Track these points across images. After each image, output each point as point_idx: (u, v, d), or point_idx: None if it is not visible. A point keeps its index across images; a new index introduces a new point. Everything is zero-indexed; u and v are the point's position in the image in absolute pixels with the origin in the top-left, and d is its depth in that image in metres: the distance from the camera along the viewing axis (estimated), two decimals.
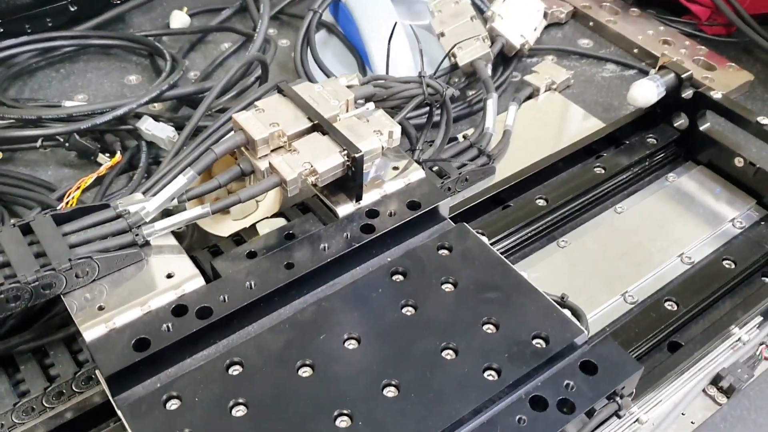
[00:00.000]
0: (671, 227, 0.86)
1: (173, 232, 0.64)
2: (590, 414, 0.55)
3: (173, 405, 0.53)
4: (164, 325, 0.56)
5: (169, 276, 0.60)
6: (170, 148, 0.84)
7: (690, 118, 0.92)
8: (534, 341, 0.58)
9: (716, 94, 0.89)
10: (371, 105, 0.70)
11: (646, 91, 0.90)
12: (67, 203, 0.77)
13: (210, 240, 0.75)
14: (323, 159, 0.64)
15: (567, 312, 0.61)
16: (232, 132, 0.66)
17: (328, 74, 1.05)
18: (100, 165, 0.90)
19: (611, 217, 0.88)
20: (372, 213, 0.67)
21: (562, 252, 0.83)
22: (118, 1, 1.16)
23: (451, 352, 0.57)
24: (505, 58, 1.12)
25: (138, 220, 0.61)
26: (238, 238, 0.70)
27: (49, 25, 1.10)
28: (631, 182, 0.92)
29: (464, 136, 0.95)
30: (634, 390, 0.59)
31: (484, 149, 0.90)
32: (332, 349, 0.57)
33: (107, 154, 0.93)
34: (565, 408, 0.54)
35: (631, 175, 0.91)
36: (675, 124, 0.94)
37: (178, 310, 0.58)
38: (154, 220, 0.62)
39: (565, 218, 0.86)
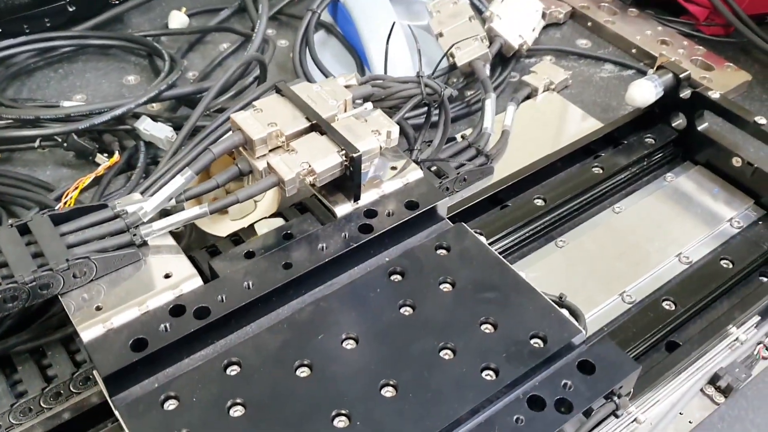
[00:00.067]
0: (669, 227, 0.86)
1: (171, 232, 0.64)
2: (588, 414, 0.55)
3: (171, 405, 0.53)
4: (162, 325, 0.56)
5: (167, 276, 0.60)
6: (168, 148, 0.84)
7: (688, 118, 0.92)
8: (532, 341, 0.58)
9: (714, 94, 0.89)
10: (369, 105, 0.70)
11: (644, 91, 0.90)
12: (65, 203, 0.77)
13: (208, 240, 0.75)
14: (321, 159, 0.64)
15: (565, 312, 0.61)
16: (230, 132, 0.66)
17: (326, 74, 1.05)
18: (99, 165, 0.90)
19: (609, 217, 0.88)
20: (370, 213, 0.67)
21: (561, 252, 0.83)
22: (117, 2, 1.16)
23: (449, 351, 0.57)
24: (504, 58, 1.12)
25: (136, 220, 0.61)
26: (236, 238, 0.70)
27: (48, 25, 1.10)
28: (629, 182, 0.92)
29: (462, 136, 0.95)
30: (632, 390, 0.59)
31: (483, 149, 0.90)
32: (330, 349, 0.57)
33: (105, 154, 0.93)
34: (562, 408, 0.54)
35: (629, 175, 0.92)
36: (673, 124, 0.95)
37: (176, 310, 0.58)
38: (152, 220, 0.62)
39: (564, 218, 0.86)
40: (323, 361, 0.56)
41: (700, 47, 1.17)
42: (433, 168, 0.85)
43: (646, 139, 0.94)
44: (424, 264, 0.64)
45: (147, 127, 0.93)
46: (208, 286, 0.60)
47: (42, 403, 0.62)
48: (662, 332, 0.74)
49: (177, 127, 0.95)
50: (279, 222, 0.71)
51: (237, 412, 0.53)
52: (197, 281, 0.60)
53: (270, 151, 0.65)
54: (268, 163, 0.64)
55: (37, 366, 0.66)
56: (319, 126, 0.66)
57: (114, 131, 0.95)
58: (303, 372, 0.56)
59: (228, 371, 0.55)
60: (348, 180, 0.66)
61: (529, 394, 0.55)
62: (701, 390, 0.70)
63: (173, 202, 0.63)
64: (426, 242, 0.66)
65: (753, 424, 0.69)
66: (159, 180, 0.73)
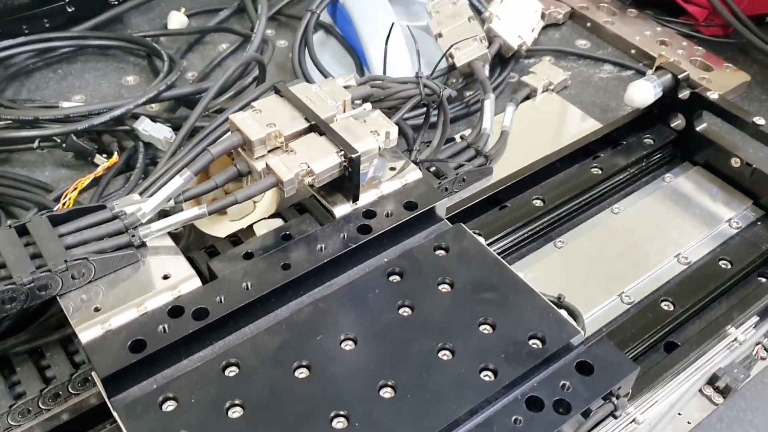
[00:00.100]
0: (668, 228, 0.86)
1: (170, 233, 0.64)
2: (586, 414, 0.55)
3: (169, 406, 0.53)
4: (160, 327, 0.56)
5: (166, 277, 0.60)
6: (167, 149, 0.84)
7: (687, 118, 0.92)
8: (530, 342, 0.58)
9: (713, 95, 0.89)
10: (368, 105, 0.70)
11: (643, 92, 0.90)
12: (63, 204, 0.77)
13: (207, 241, 0.75)
14: (320, 159, 0.64)
15: (563, 312, 0.61)
16: (229, 133, 0.66)
17: (325, 75, 1.05)
18: (97, 166, 0.90)
19: (608, 217, 0.88)
20: (369, 213, 0.67)
21: (559, 252, 0.83)
22: (116, 2, 1.16)
23: (447, 352, 0.57)
24: (503, 58, 1.12)
25: (134, 221, 0.61)
26: (235, 238, 0.70)
27: (47, 25, 1.10)
28: (628, 183, 0.92)
29: (461, 137, 0.95)
30: (630, 390, 0.59)
31: (482, 150, 0.90)
32: (329, 350, 0.57)
33: (104, 155, 0.93)
34: (561, 408, 0.54)
35: (628, 176, 0.92)
36: (672, 125, 0.95)
37: (175, 311, 0.58)
38: (150, 221, 0.62)
39: (562, 219, 0.86)
40: (322, 361, 0.56)
41: (699, 48, 1.17)
42: (432, 168, 0.85)
43: (645, 140, 0.94)
44: (423, 265, 0.64)
45: (146, 127, 0.93)
46: (207, 287, 0.60)
47: (41, 405, 0.62)
48: (661, 333, 0.74)
49: (176, 128, 0.95)
50: (278, 223, 0.71)
51: (236, 413, 0.53)
52: (196, 282, 0.60)
53: (269, 151, 0.65)
54: (266, 164, 0.64)
55: (35, 367, 0.66)
56: (317, 127, 0.66)
57: (113, 132, 0.95)
58: (302, 373, 0.56)
59: (226, 372, 0.55)
60: (347, 181, 0.66)
61: (528, 394, 0.55)
62: (700, 390, 0.70)
63: (172, 202, 0.63)
64: (425, 243, 0.66)
65: (752, 425, 0.69)
66: (158, 181, 0.73)
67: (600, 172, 0.90)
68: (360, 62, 1.10)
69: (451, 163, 0.86)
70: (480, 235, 0.79)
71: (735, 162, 0.88)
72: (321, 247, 0.64)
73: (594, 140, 0.94)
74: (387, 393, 0.54)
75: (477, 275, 0.63)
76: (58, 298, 0.58)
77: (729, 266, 0.80)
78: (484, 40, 1.05)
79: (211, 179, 0.64)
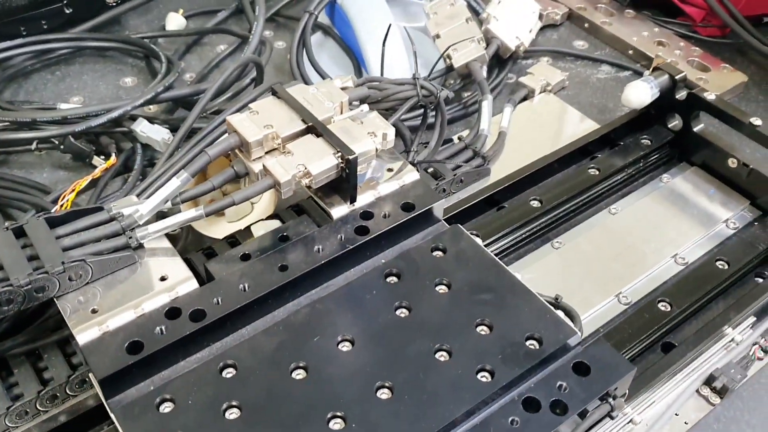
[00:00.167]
0: (665, 228, 0.86)
1: (167, 235, 0.64)
2: (583, 415, 0.55)
3: (166, 408, 0.53)
4: (157, 328, 0.56)
5: (163, 279, 0.60)
6: (165, 151, 0.84)
7: (684, 119, 0.93)
8: (527, 342, 0.58)
9: (710, 96, 0.89)
10: (365, 107, 0.70)
11: (640, 93, 0.90)
12: (61, 206, 0.77)
13: (205, 242, 0.75)
14: (317, 161, 0.64)
15: (560, 313, 0.61)
16: (226, 134, 0.66)
17: (323, 76, 1.05)
18: (95, 167, 0.90)
19: (605, 218, 0.88)
20: (366, 215, 0.67)
21: (557, 253, 0.83)
22: (114, 4, 1.16)
23: (444, 353, 0.57)
24: (501, 59, 1.12)
25: (131, 223, 0.61)
26: (232, 240, 0.70)
27: (45, 27, 1.10)
28: (625, 183, 0.92)
29: (459, 138, 0.95)
30: (627, 391, 0.59)
31: (479, 151, 0.90)
32: (326, 351, 0.57)
33: (102, 157, 0.93)
34: (557, 409, 0.54)
35: (625, 176, 0.92)
36: (669, 126, 0.95)
37: (172, 312, 0.58)
38: (147, 222, 0.62)
39: (560, 219, 0.87)
40: (319, 363, 0.56)
41: (697, 48, 1.17)
42: (430, 170, 0.85)
43: (643, 141, 0.94)
44: (420, 266, 0.64)
45: (144, 129, 0.93)
46: (204, 289, 0.60)
47: (38, 406, 0.62)
48: (658, 333, 0.74)
49: (174, 129, 0.95)
50: (275, 224, 0.71)
51: (232, 414, 0.53)
52: (193, 284, 0.60)
53: (266, 153, 0.65)
54: (263, 166, 0.64)
55: (33, 369, 0.66)
56: (315, 128, 0.66)
57: (111, 133, 0.95)
58: (299, 374, 0.56)
59: (223, 374, 0.55)
60: (344, 182, 0.66)
61: (525, 395, 0.55)
62: (697, 391, 0.70)
63: (169, 204, 0.63)
64: (422, 244, 0.66)
65: (748, 425, 0.69)
66: (155, 182, 0.73)
67: (597, 172, 0.90)
68: (358, 63, 1.10)
69: (449, 164, 0.86)
70: (477, 235, 0.79)
71: (732, 162, 0.88)
72: (318, 249, 0.64)
73: (591, 141, 0.94)
74: (384, 394, 0.54)
75: (474, 276, 0.63)
76: (55, 299, 0.58)
77: (726, 267, 0.80)
78: (481, 41, 1.05)
79: (208, 181, 0.64)
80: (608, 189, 0.91)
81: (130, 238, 0.61)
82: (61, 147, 0.91)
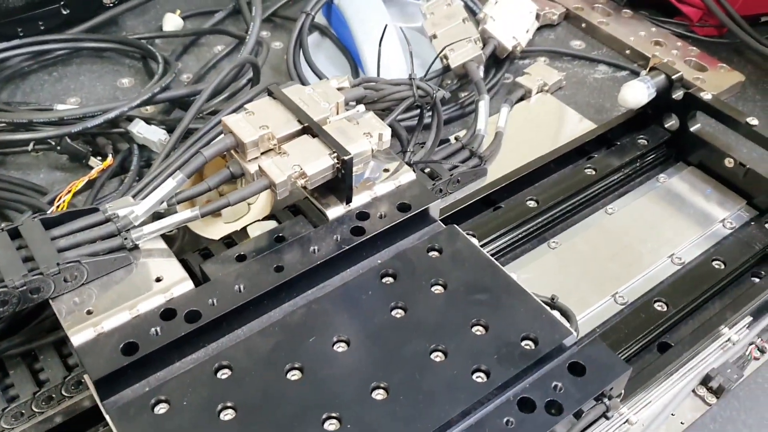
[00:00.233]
0: (662, 228, 0.86)
1: (164, 235, 0.64)
2: (578, 415, 0.55)
3: (161, 409, 0.53)
4: (153, 329, 0.56)
5: (158, 279, 0.60)
6: (161, 151, 0.84)
7: (680, 119, 0.93)
8: (523, 343, 0.58)
9: (706, 95, 0.89)
10: (361, 107, 0.70)
11: (637, 93, 0.90)
12: (57, 207, 0.77)
13: (201, 243, 0.75)
14: (313, 161, 0.64)
15: (556, 313, 0.61)
16: (222, 135, 0.66)
17: (320, 76, 1.05)
18: (92, 168, 0.90)
19: (602, 218, 0.88)
20: (362, 215, 0.67)
21: (553, 253, 0.83)
22: (111, 4, 1.16)
23: (440, 354, 0.57)
24: (497, 59, 1.12)
25: (127, 224, 0.61)
26: (229, 240, 0.70)
27: (42, 28, 1.10)
28: (622, 183, 0.92)
29: (456, 138, 0.95)
30: (623, 391, 0.59)
31: (476, 151, 0.90)
32: (321, 352, 0.57)
33: (99, 158, 0.93)
34: (553, 409, 0.54)
35: (622, 176, 0.92)
36: (666, 125, 0.95)
37: (167, 313, 0.58)
38: (143, 223, 0.62)
39: (556, 219, 0.87)
40: (314, 363, 0.56)
41: (694, 48, 1.17)
42: (427, 170, 0.85)
43: (639, 140, 0.94)
44: (416, 266, 0.64)
45: (140, 130, 0.93)
46: (199, 290, 0.60)
47: (34, 408, 0.62)
48: (654, 333, 0.74)
49: (171, 130, 0.95)
50: (272, 224, 0.72)
51: (227, 415, 0.53)
52: (188, 285, 0.60)
53: (262, 153, 0.65)
54: (259, 166, 0.64)
55: (29, 370, 0.66)
56: (310, 129, 0.66)
57: (108, 134, 0.95)
58: (294, 375, 0.56)
59: (219, 375, 0.55)
60: (340, 182, 0.66)
61: (520, 396, 0.55)
62: (693, 391, 0.70)
63: (165, 205, 0.63)
64: (418, 244, 0.66)
65: (745, 425, 0.69)
66: (151, 183, 0.73)
67: (594, 172, 0.90)
68: (355, 64, 1.10)
69: (446, 164, 0.86)
70: (474, 236, 0.79)
71: (729, 162, 0.88)
72: (314, 249, 0.64)
73: (588, 141, 0.94)
74: (379, 395, 0.54)
75: (470, 276, 0.63)
76: (50, 301, 0.58)
77: (722, 266, 0.80)
78: (478, 41, 1.05)
79: (203, 182, 0.64)
80: (605, 189, 0.91)
81: (126, 239, 0.61)
82: (58, 148, 0.91)
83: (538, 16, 1.17)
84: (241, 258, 0.64)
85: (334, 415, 0.53)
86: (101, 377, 0.54)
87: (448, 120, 1.02)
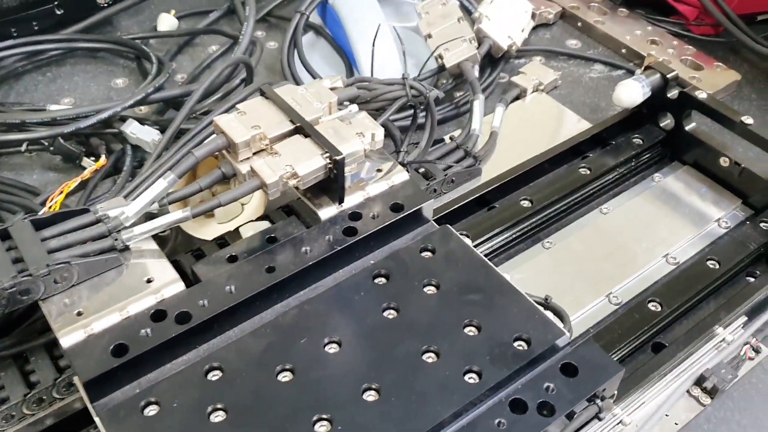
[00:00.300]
0: (657, 228, 0.86)
1: (157, 236, 0.64)
2: (570, 416, 0.55)
3: (152, 411, 0.53)
4: (143, 331, 0.56)
5: (149, 281, 0.60)
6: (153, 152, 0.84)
7: (676, 118, 0.92)
8: (515, 343, 0.58)
9: (701, 94, 0.89)
10: (354, 107, 0.70)
11: (632, 92, 0.90)
12: (50, 208, 0.77)
13: (194, 243, 0.74)
14: (305, 162, 0.63)
15: (549, 314, 0.60)
16: (214, 135, 0.66)
17: (315, 76, 1.05)
18: (85, 169, 0.90)
19: (597, 217, 0.87)
20: (355, 215, 0.67)
21: (548, 253, 0.83)
22: (105, 4, 1.16)
23: (432, 354, 0.57)
24: (493, 59, 1.12)
25: (117, 225, 0.61)
26: (221, 241, 0.70)
27: (36, 28, 1.10)
28: (616, 183, 0.92)
29: (451, 138, 0.95)
30: (616, 392, 0.59)
31: (471, 151, 0.89)
32: (313, 353, 0.57)
33: (92, 158, 0.92)
34: (545, 411, 0.54)
35: (616, 176, 0.91)
36: (661, 125, 0.94)
37: (157, 315, 0.57)
38: (134, 224, 0.62)
39: (551, 219, 0.86)
40: (306, 365, 0.56)
41: (690, 47, 1.17)
42: (421, 170, 0.85)
43: (634, 140, 0.94)
44: (409, 266, 0.64)
45: (133, 130, 0.92)
46: (190, 291, 0.60)
47: (24, 409, 0.62)
48: (648, 333, 0.74)
49: (164, 130, 0.94)
50: (265, 225, 0.71)
51: (218, 417, 0.53)
52: (179, 286, 0.60)
53: (254, 154, 0.65)
54: (251, 167, 0.63)
55: (19, 372, 0.66)
56: (303, 129, 0.66)
57: (101, 135, 0.95)
58: (285, 376, 0.55)
59: (209, 376, 0.55)
60: (332, 183, 0.65)
61: (512, 397, 0.55)
62: (687, 391, 0.70)
63: (156, 206, 0.62)
64: (411, 244, 0.66)
65: (739, 425, 0.69)
66: (143, 183, 0.73)
67: (589, 172, 0.90)
68: (349, 63, 1.09)
69: (440, 164, 0.86)
70: (467, 236, 0.79)
71: (724, 161, 0.88)
72: (306, 250, 0.64)
73: (583, 140, 0.93)
74: (371, 396, 0.54)
75: (463, 277, 0.63)
76: (40, 302, 0.58)
77: (717, 266, 0.80)
78: (473, 40, 1.05)
79: (195, 182, 0.64)
80: (599, 188, 0.90)
81: (116, 240, 0.61)
82: (51, 148, 0.91)
83: (533, 15, 1.16)
84: (232, 259, 0.64)
85: (325, 416, 0.53)
86: (91, 379, 0.53)
87: (443, 120, 1.02)
